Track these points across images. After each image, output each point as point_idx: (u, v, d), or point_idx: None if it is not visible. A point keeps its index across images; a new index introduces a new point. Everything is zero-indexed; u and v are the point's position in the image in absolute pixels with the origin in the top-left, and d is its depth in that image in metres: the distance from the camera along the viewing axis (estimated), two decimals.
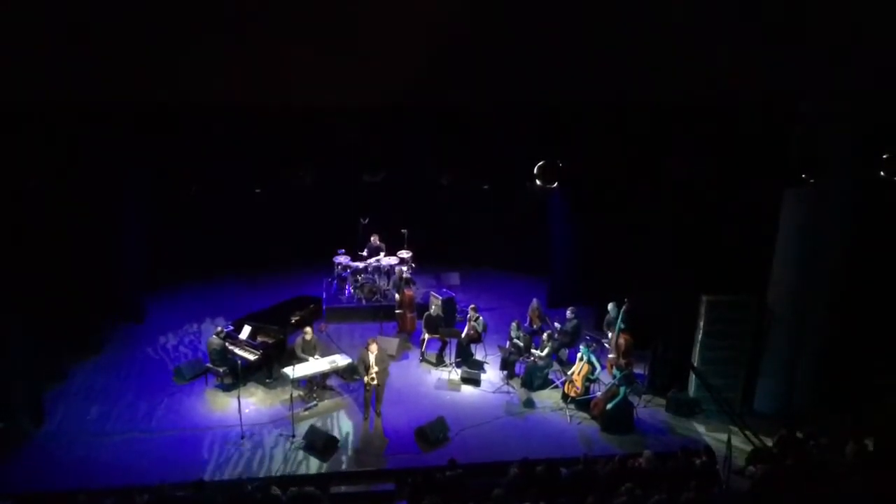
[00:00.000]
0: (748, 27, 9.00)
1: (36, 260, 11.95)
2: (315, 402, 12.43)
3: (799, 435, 10.95)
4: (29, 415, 11.62)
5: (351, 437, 11.59)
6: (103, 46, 8.46)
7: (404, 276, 15.33)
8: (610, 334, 13.25)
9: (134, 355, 14.02)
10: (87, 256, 13.52)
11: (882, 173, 10.99)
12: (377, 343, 12.11)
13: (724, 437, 10.87)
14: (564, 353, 13.88)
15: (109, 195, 13.59)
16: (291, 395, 11.76)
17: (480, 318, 14.00)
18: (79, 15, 8.10)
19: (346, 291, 16.05)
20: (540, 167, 10.87)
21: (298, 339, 12.88)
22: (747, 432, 11.80)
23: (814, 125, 11.07)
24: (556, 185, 11.24)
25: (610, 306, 13.34)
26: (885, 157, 10.96)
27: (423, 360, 14.10)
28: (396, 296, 15.22)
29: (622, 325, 12.96)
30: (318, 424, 11.63)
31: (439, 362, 13.90)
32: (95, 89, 9.07)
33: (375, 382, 11.88)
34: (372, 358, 11.87)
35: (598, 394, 12.34)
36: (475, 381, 13.28)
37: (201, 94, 9.55)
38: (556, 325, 14.11)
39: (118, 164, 11.23)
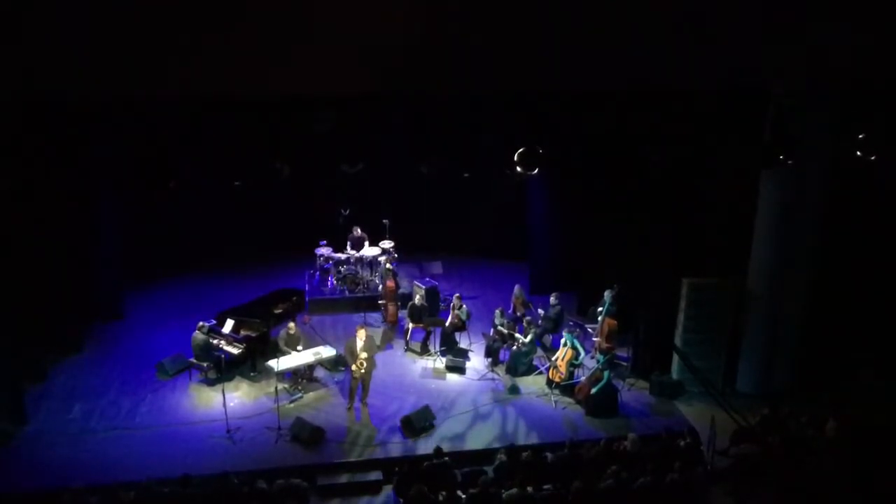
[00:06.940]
0: (722, 12, 9.03)
1: (12, 259, 11.77)
2: (300, 395, 12.40)
3: (782, 412, 11.08)
4: (10, 415, 11.48)
5: (337, 428, 11.57)
6: (75, 40, 8.32)
7: (388, 266, 15.29)
8: (599, 319, 13.32)
9: (115, 352, 13.89)
10: (65, 254, 13.33)
11: (858, 153, 11.08)
12: (365, 330, 12.07)
13: (708, 417, 10.97)
14: (548, 339, 13.93)
15: (85, 191, 13.43)
16: (276, 388, 11.73)
17: (464, 306, 14.04)
18: (48, 9, 7.96)
19: (329, 283, 16.00)
20: (520, 154, 10.87)
21: (282, 332, 12.82)
22: (731, 412, 11.90)
23: (788, 106, 11.14)
24: (536, 171, 11.23)
25: (606, 293, 13.34)
26: (860, 136, 11.04)
27: (408, 349, 14.10)
28: (380, 286, 15.18)
29: (611, 309, 13.04)
30: (304, 416, 11.61)
31: (424, 351, 13.91)
32: (68, 84, 8.91)
33: (363, 370, 11.85)
34: (359, 345, 11.83)
35: (583, 379, 12.41)
36: (460, 369, 13.31)
37: (176, 86, 9.41)
38: (540, 311, 14.16)
39: (94, 159, 11.08)
